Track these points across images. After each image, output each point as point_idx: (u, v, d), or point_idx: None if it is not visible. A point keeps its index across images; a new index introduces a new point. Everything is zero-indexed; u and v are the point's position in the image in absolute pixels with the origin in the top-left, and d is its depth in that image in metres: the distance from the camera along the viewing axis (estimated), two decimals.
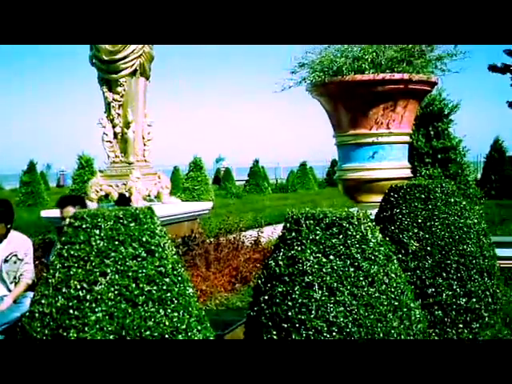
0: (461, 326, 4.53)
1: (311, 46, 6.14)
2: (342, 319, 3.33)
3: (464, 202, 4.88)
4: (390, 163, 6.11)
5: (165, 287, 3.08)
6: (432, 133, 10.67)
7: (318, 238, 3.49)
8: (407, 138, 6.37)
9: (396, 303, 3.50)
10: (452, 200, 4.77)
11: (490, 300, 4.67)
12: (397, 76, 5.84)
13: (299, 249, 3.50)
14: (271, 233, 10.81)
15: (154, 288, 3.04)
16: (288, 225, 3.62)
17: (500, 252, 6.14)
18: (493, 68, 47.04)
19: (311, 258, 3.45)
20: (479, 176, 27.45)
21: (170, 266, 3.19)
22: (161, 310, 3.00)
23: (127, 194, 9.44)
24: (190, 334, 3.04)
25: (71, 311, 2.90)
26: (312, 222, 3.53)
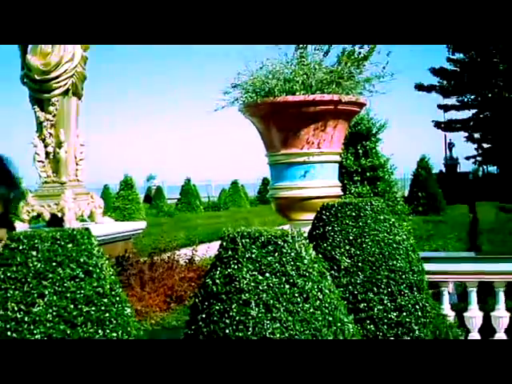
0: (392, 339, 4.67)
1: (243, 68, 6.26)
2: (278, 335, 3.40)
3: (393, 219, 5.05)
4: (321, 182, 6.25)
5: (103, 308, 3.11)
6: (360, 151, 10.91)
7: (254, 256, 3.57)
8: (337, 157, 6.53)
9: (330, 318, 3.60)
10: (381, 217, 4.93)
11: (419, 314, 4.82)
12: (327, 97, 6.00)
13: (236, 267, 3.57)
14: (205, 251, 10.85)
15: (93, 309, 3.06)
16: (224, 243, 3.69)
17: (428, 267, 6.35)
18: (419, 87, 48.64)
19: (248, 276, 3.52)
20: (406, 193, 28.16)
21: (108, 286, 3.22)
22: (100, 331, 3.03)
23: (60, 215, 9.34)
24: None
25: (9, 333, 2.90)
26: (248, 240, 3.61)
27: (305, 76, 6.04)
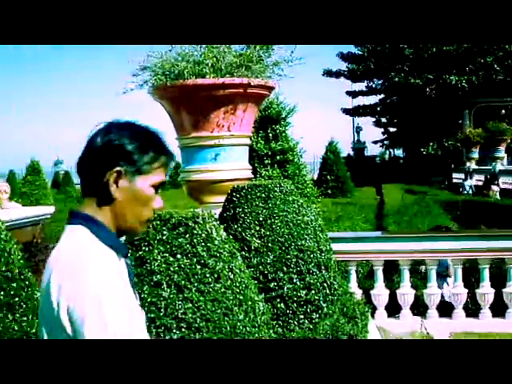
0: (301, 316, 4.79)
1: (152, 49, 6.22)
2: (190, 315, 3.46)
3: (301, 201, 5.17)
4: (231, 164, 6.29)
5: (12, 292, 3.07)
6: (271, 135, 11.02)
7: (164, 238, 3.60)
8: (247, 141, 6.60)
9: (241, 297, 3.68)
10: (290, 199, 5.03)
11: (327, 291, 4.97)
12: (237, 80, 6.04)
13: (147, 249, 3.60)
14: None
15: (2, 293, 3.02)
16: None
17: (336, 246, 6.53)
18: (328, 73, 49.33)
19: (159, 258, 3.55)
20: (316, 176, 28.65)
21: (17, 270, 3.18)
22: (9, 315, 3.00)
23: None
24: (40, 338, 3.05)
25: None
26: (159, 222, 3.64)
27: (214, 59, 6.06)
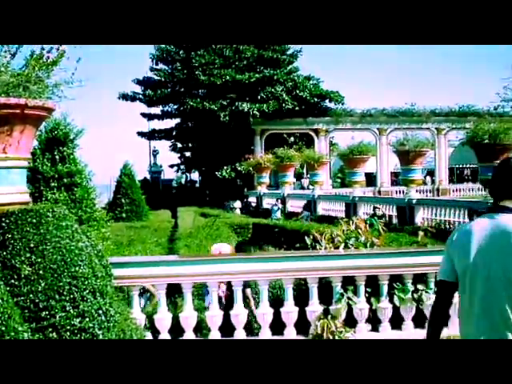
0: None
1: None
2: None
3: (76, 226, 5.07)
4: (6, 188, 6.01)
5: None
6: (57, 157, 10.75)
7: None
8: (25, 163, 6.35)
9: (3, 328, 3.52)
10: (64, 224, 4.91)
11: (103, 318, 4.89)
12: (12, 101, 5.80)
13: None
14: None
15: None
16: None
17: (119, 272, 6.47)
18: (123, 97, 49.08)
19: None
20: (111, 199, 28.32)
21: None
22: None
23: None
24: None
25: None
26: None
27: None
